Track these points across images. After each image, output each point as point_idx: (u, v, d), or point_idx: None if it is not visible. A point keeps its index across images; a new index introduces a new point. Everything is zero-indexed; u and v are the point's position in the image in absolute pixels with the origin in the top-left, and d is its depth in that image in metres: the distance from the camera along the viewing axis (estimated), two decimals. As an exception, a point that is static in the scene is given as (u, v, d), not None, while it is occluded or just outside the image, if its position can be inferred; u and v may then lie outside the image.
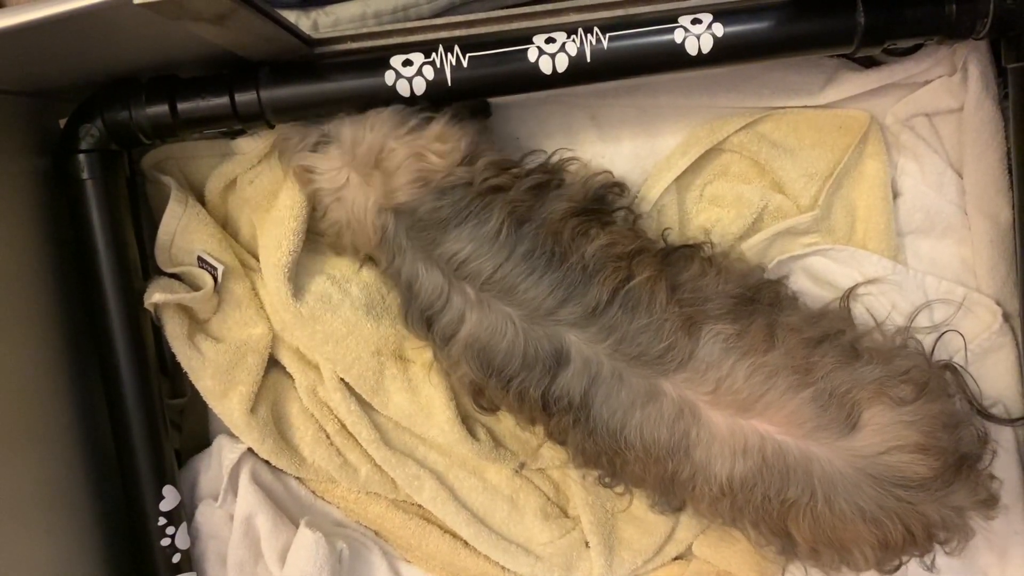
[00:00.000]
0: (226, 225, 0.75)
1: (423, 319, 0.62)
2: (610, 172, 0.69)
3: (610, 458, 0.62)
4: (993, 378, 0.71)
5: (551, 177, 0.64)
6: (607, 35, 0.61)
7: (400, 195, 0.61)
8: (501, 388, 0.62)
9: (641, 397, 0.58)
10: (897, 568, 0.61)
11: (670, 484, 0.61)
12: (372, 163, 0.62)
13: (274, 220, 0.69)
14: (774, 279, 0.69)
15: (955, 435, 0.59)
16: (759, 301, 0.62)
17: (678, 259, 0.64)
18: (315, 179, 0.64)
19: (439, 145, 0.61)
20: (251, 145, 0.71)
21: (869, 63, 0.72)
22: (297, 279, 0.71)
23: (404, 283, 0.62)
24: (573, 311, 0.58)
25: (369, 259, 0.70)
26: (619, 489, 0.70)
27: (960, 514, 0.59)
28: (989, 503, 0.61)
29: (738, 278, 0.64)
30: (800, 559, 0.63)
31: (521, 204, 0.61)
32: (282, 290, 0.69)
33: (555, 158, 0.67)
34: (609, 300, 0.58)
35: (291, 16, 0.70)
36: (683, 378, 0.58)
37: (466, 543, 0.74)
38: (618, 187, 0.68)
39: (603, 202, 0.66)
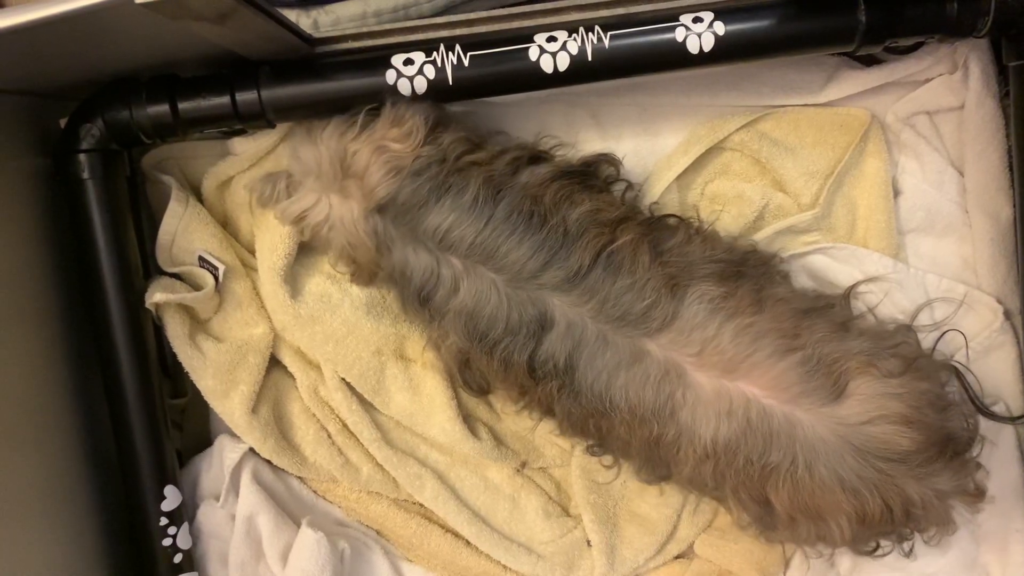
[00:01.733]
0: (226, 224, 0.74)
1: (418, 301, 0.62)
2: (602, 152, 0.68)
3: (596, 422, 0.62)
4: (994, 376, 0.71)
5: (532, 153, 0.64)
6: (608, 34, 0.61)
7: (380, 191, 0.60)
8: (486, 354, 0.61)
9: (626, 358, 0.58)
10: (873, 551, 0.61)
11: (655, 447, 0.61)
12: (341, 174, 0.61)
13: (268, 224, 0.69)
14: (763, 251, 0.69)
15: (942, 415, 0.59)
16: (747, 267, 0.62)
17: (663, 227, 0.64)
18: (305, 221, 0.64)
19: (396, 131, 0.60)
20: (245, 146, 0.71)
21: (870, 61, 0.72)
22: (296, 279, 0.71)
23: (398, 272, 0.62)
24: (555, 275, 0.58)
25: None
26: (607, 460, 0.70)
27: (941, 498, 0.58)
28: (975, 494, 0.61)
29: (725, 246, 0.64)
30: (778, 530, 0.62)
31: (497, 173, 0.60)
32: (279, 293, 0.69)
33: (542, 145, 0.67)
34: (591, 263, 0.58)
35: (291, 15, 0.70)
36: (668, 339, 0.58)
37: (468, 542, 0.74)
38: (609, 160, 0.68)
39: (592, 169, 0.66)
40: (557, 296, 0.58)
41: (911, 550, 0.62)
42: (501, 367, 0.61)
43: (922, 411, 0.57)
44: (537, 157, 0.64)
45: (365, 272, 0.66)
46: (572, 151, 0.68)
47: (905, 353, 0.59)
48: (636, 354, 0.58)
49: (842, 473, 0.56)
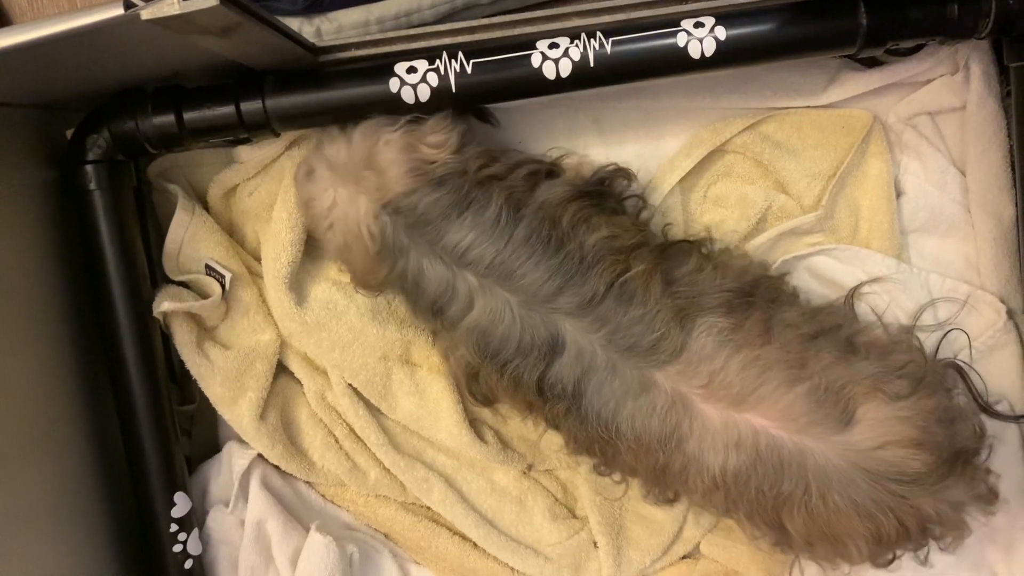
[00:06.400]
0: (232, 232, 0.75)
1: (431, 311, 0.62)
2: (615, 164, 0.69)
3: (602, 447, 0.62)
4: (998, 375, 0.71)
5: (547, 167, 0.64)
6: (610, 40, 0.61)
7: (396, 186, 0.60)
8: (496, 372, 0.61)
9: (634, 388, 0.58)
10: (891, 561, 0.61)
11: (662, 475, 0.61)
12: (362, 166, 0.61)
13: (272, 232, 0.70)
14: (774, 275, 0.69)
15: (950, 430, 0.59)
16: (756, 296, 0.62)
17: (676, 253, 0.64)
18: (309, 209, 0.64)
19: (433, 137, 0.61)
20: (250, 154, 0.71)
21: (871, 63, 0.72)
22: (302, 286, 0.72)
23: (411, 282, 0.62)
24: (570, 300, 0.58)
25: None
26: (616, 477, 0.70)
27: (957, 509, 0.59)
28: (988, 498, 0.61)
29: (736, 273, 0.64)
30: (795, 551, 0.63)
31: (517, 190, 0.60)
32: (284, 301, 0.69)
33: (551, 155, 0.67)
34: (605, 291, 0.58)
35: (294, 23, 0.70)
36: (676, 370, 0.58)
37: (475, 545, 0.75)
38: (624, 174, 0.68)
39: (607, 186, 0.66)
40: (570, 321, 0.59)
41: (926, 557, 0.62)
42: (511, 385, 0.62)
43: (931, 431, 0.57)
44: (551, 171, 0.64)
45: (359, 278, 0.66)
46: (582, 159, 0.69)
47: (912, 372, 0.59)
48: (644, 384, 0.58)
49: (856, 499, 0.56)
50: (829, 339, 0.60)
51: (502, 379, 0.62)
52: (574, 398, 0.59)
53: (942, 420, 0.58)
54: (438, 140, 0.61)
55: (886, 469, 0.56)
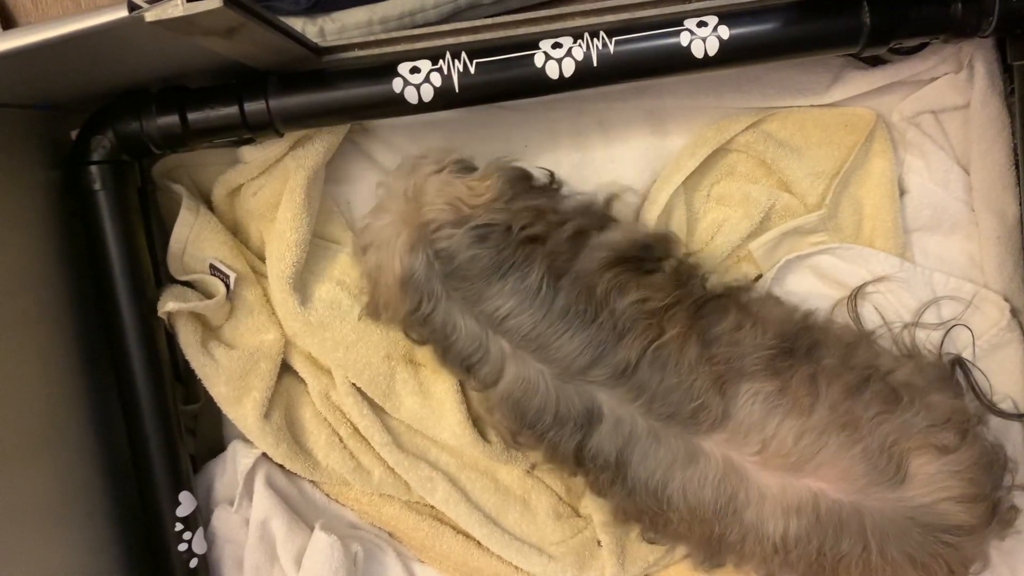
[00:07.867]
0: (237, 232, 0.75)
1: (462, 366, 0.62)
2: (665, 231, 0.70)
3: (652, 518, 0.62)
4: (1001, 374, 0.71)
5: (594, 222, 0.63)
6: (613, 39, 0.61)
7: (429, 212, 0.59)
8: (535, 440, 0.62)
9: (681, 457, 0.58)
10: None
11: (717, 544, 0.61)
12: (408, 196, 0.61)
13: (276, 232, 0.70)
14: (808, 315, 0.68)
15: (992, 475, 0.60)
16: (797, 349, 0.61)
17: (713, 309, 0.62)
18: (365, 229, 0.64)
19: (476, 182, 0.61)
20: (254, 154, 0.71)
21: (875, 61, 0.72)
22: (306, 286, 0.72)
23: (439, 332, 0.61)
24: (603, 371, 0.58)
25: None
26: (664, 544, 0.70)
27: (989, 540, 0.60)
28: (1007, 526, 0.62)
29: (775, 327, 0.62)
30: None
31: (560, 256, 0.60)
32: (289, 301, 0.70)
33: (602, 195, 0.67)
34: (638, 360, 0.58)
35: (298, 23, 0.70)
36: (723, 438, 0.57)
37: (479, 543, 0.75)
38: (667, 240, 0.68)
39: (650, 251, 0.65)
40: (605, 391, 0.58)
41: None
42: (549, 452, 0.62)
43: (978, 482, 0.58)
44: (603, 223, 0.63)
45: (375, 307, 0.65)
46: (634, 197, 0.70)
47: (958, 421, 0.60)
48: (691, 453, 0.58)
49: (911, 551, 0.56)
50: (872, 389, 0.60)
51: (541, 447, 0.62)
52: (618, 468, 0.59)
53: (986, 465, 0.59)
54: (478, 185, 0.60)
55: (940, 522, 0.56)
